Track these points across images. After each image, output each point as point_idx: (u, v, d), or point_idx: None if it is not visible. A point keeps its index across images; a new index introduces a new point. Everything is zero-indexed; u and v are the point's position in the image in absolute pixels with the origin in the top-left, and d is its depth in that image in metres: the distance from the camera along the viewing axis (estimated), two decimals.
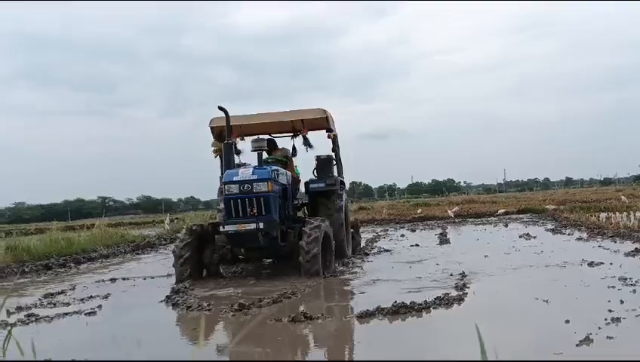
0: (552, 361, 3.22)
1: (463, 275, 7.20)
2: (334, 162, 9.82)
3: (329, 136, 9.91)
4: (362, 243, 12.07)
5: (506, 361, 2.74)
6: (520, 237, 12.52)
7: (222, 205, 8.21)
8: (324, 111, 9.43)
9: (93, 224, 19.11)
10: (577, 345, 3.87)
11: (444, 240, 12.83)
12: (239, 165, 8.64)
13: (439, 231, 15.86)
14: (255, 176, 7.74)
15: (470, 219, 21.50)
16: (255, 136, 9.01)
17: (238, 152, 9.46)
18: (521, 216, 21.86)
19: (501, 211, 22.97)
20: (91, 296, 7.46)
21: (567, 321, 4.52)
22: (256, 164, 8.20)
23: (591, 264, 7.69)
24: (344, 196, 9.73)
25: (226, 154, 8.33)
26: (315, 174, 9.57)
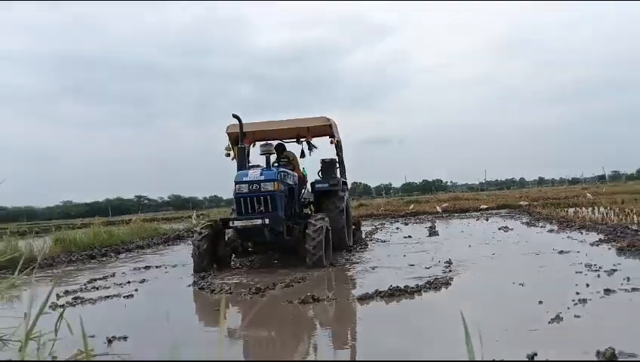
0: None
1: (449, 263, 7.20)
2: (337, 165, 9.74)
3: (332, 142, 9.80)
4: (363, 236, 12.00)
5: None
6: (499, 229, 12.49)
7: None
8: (328, 120, 9.33)
9: (131, 219, 19.23)
10: (549, 323, 3.87)
11: (433, 232, 12.80)
12: (251, 167, 8.55)
13: (429, 224, 15.84)
14: (263, 177, 7.64)
15: (456, 214, 21.46)
16: (263, 142, 8.90)
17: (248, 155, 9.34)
18: (500, 211, 21.79)
19: (483, 207, 22.90)
20: (129, 282, 7.50)
21: (540, 302, 4.51)
22: (266, 166, 8.10)
23: (561, 252, 7.68)
24: (346, 195, 9.62)
25: (240, 157, 8.25)
26: (320, 175, 9.49)
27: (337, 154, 10.02)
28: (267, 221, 7.42)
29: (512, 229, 12.35)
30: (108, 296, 6.37)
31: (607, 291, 4.77)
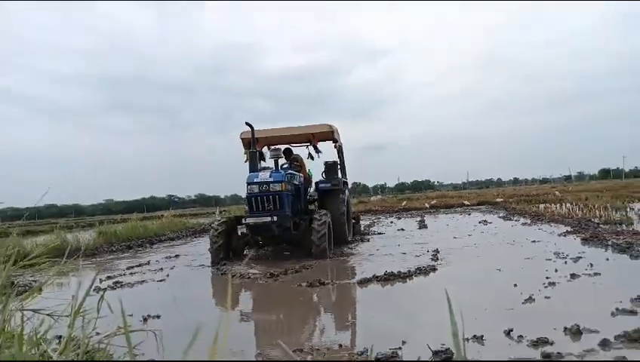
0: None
1: (436, 251, 7.18)
2: (339, 166, 9.62)
3: (335, 147, 9.72)
4: (362, 228, 11.93)
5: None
6: (479, 223, 12.44)
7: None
8: (330, 126, 9.21)
9: (163, 215, 19.25)
10: (523, 303, 3.86)
11: (422, 225, 12.77)
12: (262, 169, 8.42)
13: (419, 218, 15.80)
14: (272, 179, 7.48)
15: (442, 210, 21.39)
16: (273, 146, 8.86)
17: (263, 158, 9.20)
18: (480, 207, 21.71)
19: (465, 203, 22.83)
20: (161, 268, 7.52)
21: (515, 285, 4.49)
22: (274, 169, 7.98)
23: (533, 242, 7.65)
24: (347, 193, 9.49)
25: (252, 160, 8.13)
26: (324, 176, 9.36)
27: (339, 157, 9.92)
28: (275, 218, 7.31)
29: (490, 223, 12.30)
30: (143, 281, 6.39)
31: (573, 275, 4.75)
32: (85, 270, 8.06)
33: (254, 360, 2.94)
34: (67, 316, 1.81)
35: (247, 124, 7.93)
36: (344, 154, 10.14)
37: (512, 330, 3.05)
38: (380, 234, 11.24)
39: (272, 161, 8.07)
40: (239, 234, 8.27)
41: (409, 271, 5.60)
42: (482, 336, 2.98)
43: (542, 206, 16.18)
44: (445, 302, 1.16)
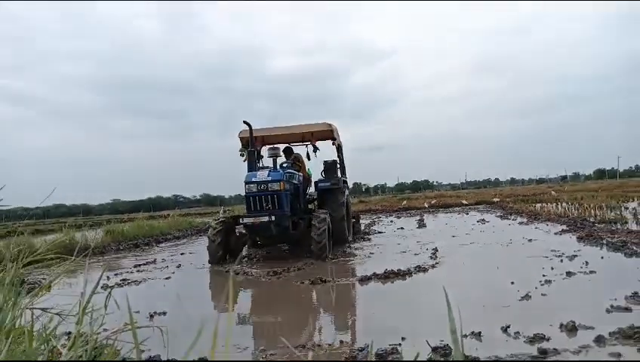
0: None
1: (435, 250, 7.17)
2: (338, 165, 9.31)
3: (334, 144, 9.42)
4: (362, 228, 11.79)
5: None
6: (477, 222, 12.42)
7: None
8: (329, 125, 8.93)
9: (169, 214, 19.27)
10: (520, 300, 3.85)
11: (421, 224, 12.75)
12: (261, 168, 8.19)
13: (418, 218, 15.78)
14: (270, 178, 7.24)
15: (441, 209, 21.33)
16: (270, 145, 8.52)
17: (261, 157, 8.95)
18: (478, 206, 21.66)
19: (464, 203, 22.79)
20: (167, 266, 7.53)
21: (512, 282, 4.49)
22: (273, 168, 7.70)
23: (530, 240, 7.63)
24: (346, 192, 9.19)
25: (250, 159, 7.85)
26: (323, 175, 9.07)
27: (338, 156, 9.64)
28: (273, 218, 7.06)
29: (488, 222, 12.27)
30: (150, 278, 6.41)
31: (569, 273, 4.74)
32: (93, 268, 8.07)
33: (257, 356, 2.94)
34: (75, 315, 1.82)
35: (245, 122, 7.70)
36: (343, 153, 9.85)
37: (509, 327, 3.05)
38: (380, 232, 11.22)
39: (272, 160, 7.79)
40: (237, 234, 8.03)
41: (408, 269, 5.59)
42: (480, 333, 2.97)
43: (538, 205, 16.14)
44: (444, 299, 1.15)
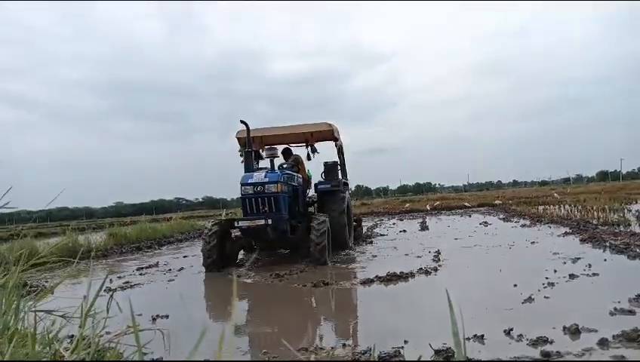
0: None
1: (438, 252, 7.15)
2: (339, 167, 9.03)
3: (335, 145, 9.25)
4: (364, 230, 11.62)
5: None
6: (480, 224, 12.39)
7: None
8: (330, 125, 8.65)
9: (171, 217, 19.33)
10: (523, 303, 3.84)
11: (424, 226, 12.73)
12: (258, 169, 7.86)
13: (420, 220, 15.76)
14: (267, 179, 6.94)
15: (443, 212, 21.31)
16: (268, 146, 8.31)
17: (260, 158, 8.77)
18: (480, 208, 21.64)
19: (466, 205, 22.76)
20: (170, 269, 7.52)
21: (515, 285, 4.47)
22: (271, 169, 7.39)
23: (532, 243, 7.61)
24: (347, 194, 8.91)
25: (247, 160, 7.61)
26: (323, 177, 8.77)
27: (339, 157, 9.43)
28: (270, 221, 6.74)
29: (491, 224, 12.24)
30: (152, 281, 6.41)
31: (572, 276, 4.72)
32: (96, 271, 8.07)
33: (260, 359, 2.93)
34: (78, 317, 1.82)
35: (242, 122, 7.41)
36: (344, 154, 9.62)
37: (512, 329, 3.03)
38: (382, 235, 11.21)
39: (270, 161, 7.55)
40: (233, 238, 7.63)
41: (411, 271, 5.57)
42: (483, 335, 2.96)
43: (541, 208, 16.11)
44: (446, 302, 1.15)
